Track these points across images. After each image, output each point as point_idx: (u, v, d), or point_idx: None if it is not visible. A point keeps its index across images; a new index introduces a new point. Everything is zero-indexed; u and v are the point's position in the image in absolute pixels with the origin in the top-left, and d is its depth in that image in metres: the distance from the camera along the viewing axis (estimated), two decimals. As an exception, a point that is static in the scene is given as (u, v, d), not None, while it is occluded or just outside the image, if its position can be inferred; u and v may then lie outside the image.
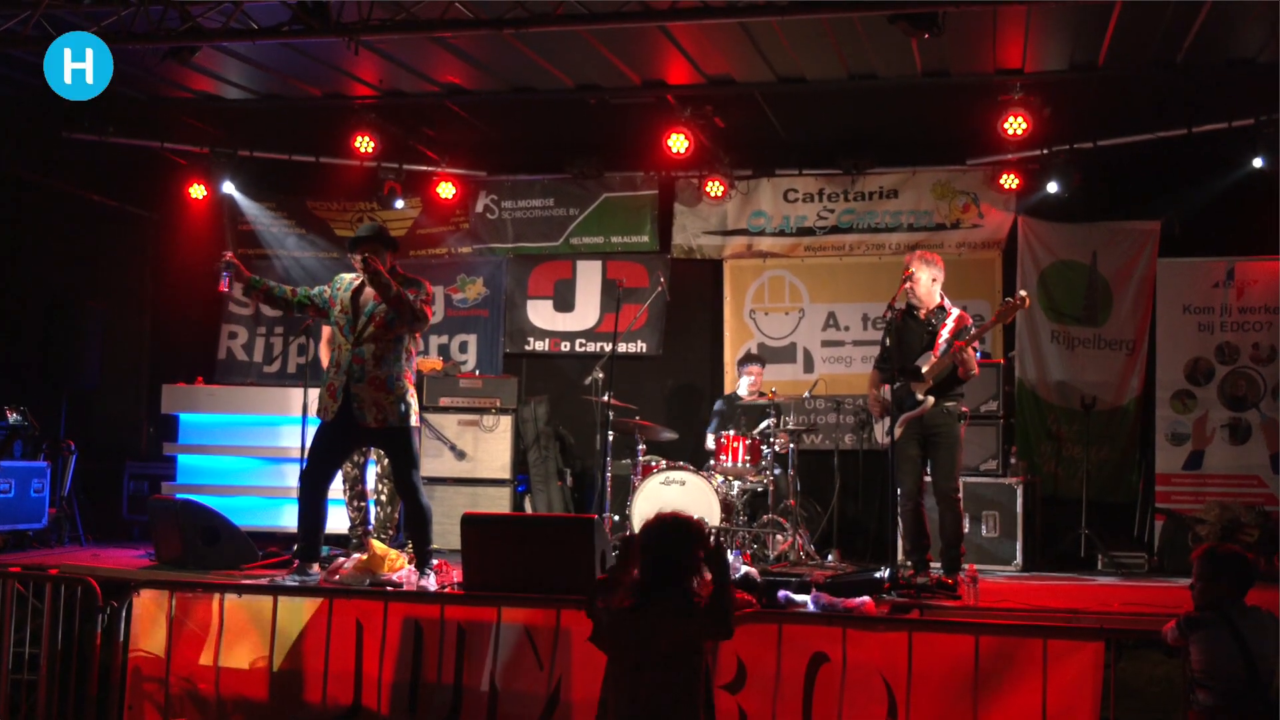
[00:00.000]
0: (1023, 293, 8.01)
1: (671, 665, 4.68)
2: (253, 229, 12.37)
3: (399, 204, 11.68)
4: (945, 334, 8.03)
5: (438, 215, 12.11)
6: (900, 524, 8.21)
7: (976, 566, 7.75)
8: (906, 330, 8.22)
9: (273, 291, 7.73)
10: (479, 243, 12.16)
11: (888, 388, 8.15)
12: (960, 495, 8.14)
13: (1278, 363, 10.06)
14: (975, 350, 8.03)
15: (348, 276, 7.73)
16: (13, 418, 7.61)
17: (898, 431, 8.05)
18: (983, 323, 8.09)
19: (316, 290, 7.78)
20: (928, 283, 8.15)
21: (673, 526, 4.98)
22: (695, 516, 5.06)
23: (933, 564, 8.16)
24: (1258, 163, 9.73)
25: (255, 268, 12.28)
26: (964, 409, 8.18)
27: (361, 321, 7.47)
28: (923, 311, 8.19)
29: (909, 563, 8.22)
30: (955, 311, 8.17)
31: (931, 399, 7.99)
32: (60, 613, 6.70)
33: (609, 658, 4.89)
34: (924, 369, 7.99)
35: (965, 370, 7.94)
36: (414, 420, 7.60)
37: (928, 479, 8.29)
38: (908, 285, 8.14)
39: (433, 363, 11.35)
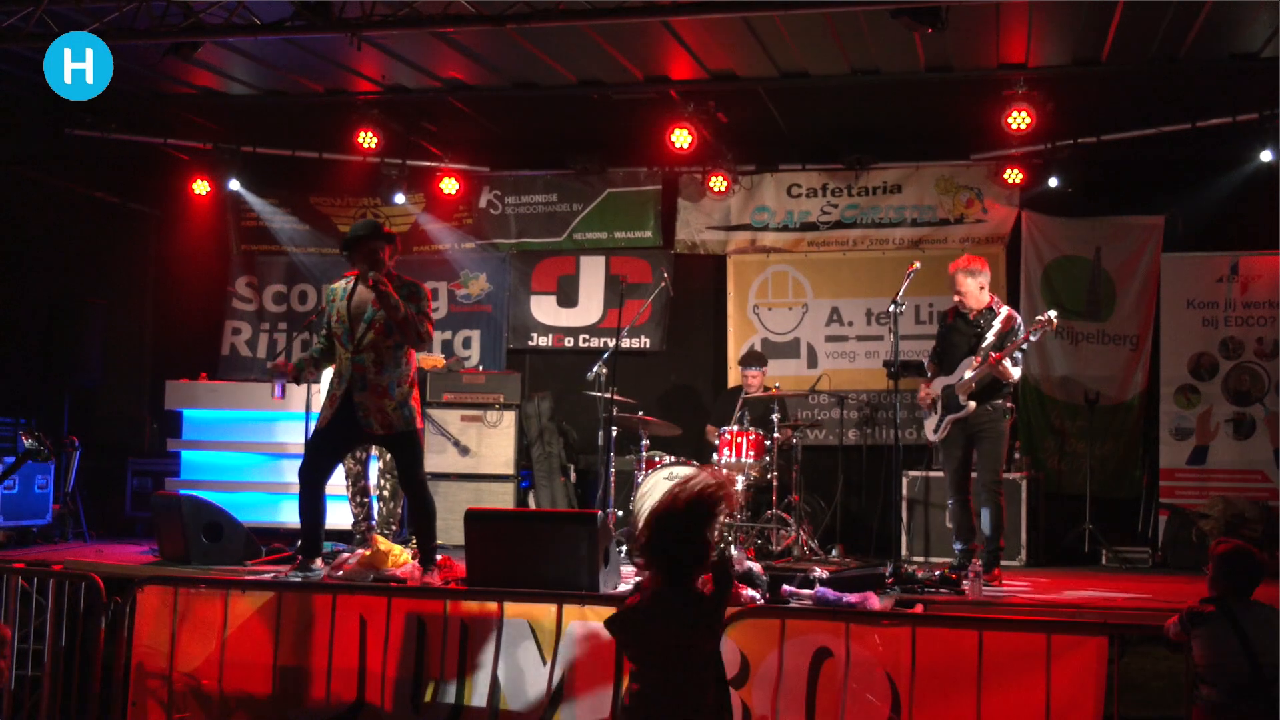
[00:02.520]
0: (1052, 314, 8.07)
1: (675, 665, 4.66)
2: (256, 225, 12.37)
3: (399, 199, 11.68)
4: (991, 337, 8.17)
5: (441, 211, 12.09)
6: (951, 523, 8.47)
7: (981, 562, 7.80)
8: (954, 331, 8.43)
9: (315, 357, 7.75)
10: (482, 238, 12.15)
11: (939, 383, 8.37)
12: (1002, 489, 8.27)
13: (1281, 357, 10.07)
14: (1019, 355, 8.18)
15: (339, 285, 7.70)
16: (28, 442, 7.67)
17: (943, 432, 8.30)
18: (1019, 331, 8.17)
19: (324, 321, 7.76)
20: (976, 291, 8.36)
21: (671, 517, 4.86)
22: (704, 488, 4.59)
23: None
24: (1266, 156, 9.72)
25: (259, 263, 12.38)
26: (1010, 405, 8.35)
27: (360, 329, 7.45)
28: (972, 313, 8.34)
29: (956, 559, 8.28)
30: (1004, 312, 8.30)
31: (974, 404, 8.16)
32: (64, 609, 6.71)
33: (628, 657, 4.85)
34: (967, 375, 8.14)
35: (1003, 378, 8.08)
36: (418, 422, 7.62)
37: (934, 475, 8.42)
38: (958, 300, 8.35)
39: (434, 360, 11.35)
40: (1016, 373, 8.17)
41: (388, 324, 7.42)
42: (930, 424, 8.44)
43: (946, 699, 5.77)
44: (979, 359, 8.10)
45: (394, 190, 11.61)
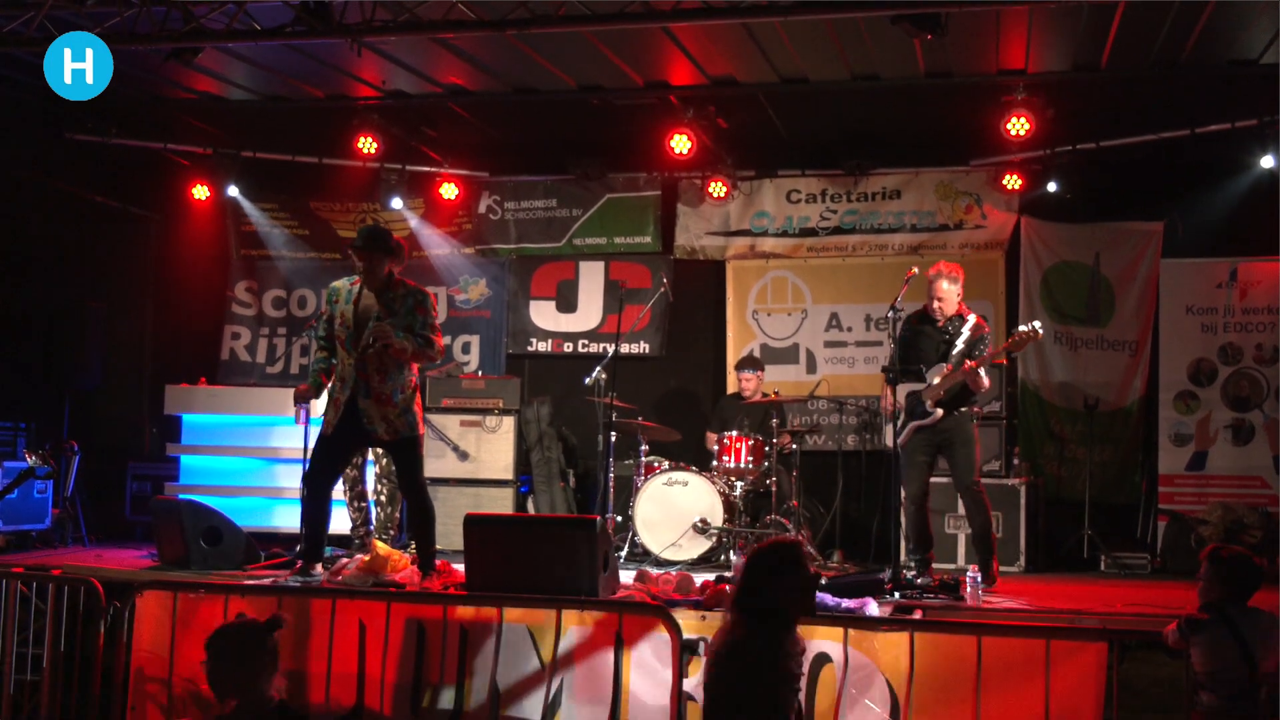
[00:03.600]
0: (1036, 324, 8.01)
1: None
2: (256, 230, 12.37)
3: (399, 204, 11.67)
4: (961, 344, 8.07)
5: (440, 216, 12.09)
6: (904, 526, 8.26)
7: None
8: (922, 335, 8.29)
9: (326, 368, 7.69)
10: (482, 243, 12.15)
11: (903, 389, 8.19)
12: (983, 487, 8.19)
13: (1280, 363, 10.08)
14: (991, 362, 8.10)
15: (343, 286, 7.65)
16: (32, 460, 7.71)
17: (904, 437, 8.16)
18: (988, 340, 8.12)
19: (324, 323, 7.72)
20: (953, 297, 8.22)
21: (766, 552, 4.69)
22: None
23: (935, 564, 8.20)
24: (1265, 162, 9.74)
25: (259, 268, 12.38)
26: (975, 410, 8.28)
27: (366, 336, 7.43)
28: (942, 319, 8.22)
29: (911, 563, 8.25)
30: (971, 319, 8.21)
31: (941, 411, 8.05)
32: (63, 613, 6.70)
33: None
34: (935, 381, 8.04)
35: (975, 388, 7.99)
36: (420, 429, 7.62)
37: (935, 480, 8.36)
38: (936, 306, 8.19)
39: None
40: (987, 382, 8.11)
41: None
42: (891, 431, 8.28)
43: (945, 705, 5.77)
44: (950, 366, 8.02)
45: (394, 195, 11.61)
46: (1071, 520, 10.23)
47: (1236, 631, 5.13)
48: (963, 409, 8.13)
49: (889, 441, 8.32)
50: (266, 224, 12.33)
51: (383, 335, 7.30)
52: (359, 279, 7.61)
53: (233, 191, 11.73)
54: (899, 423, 8.18)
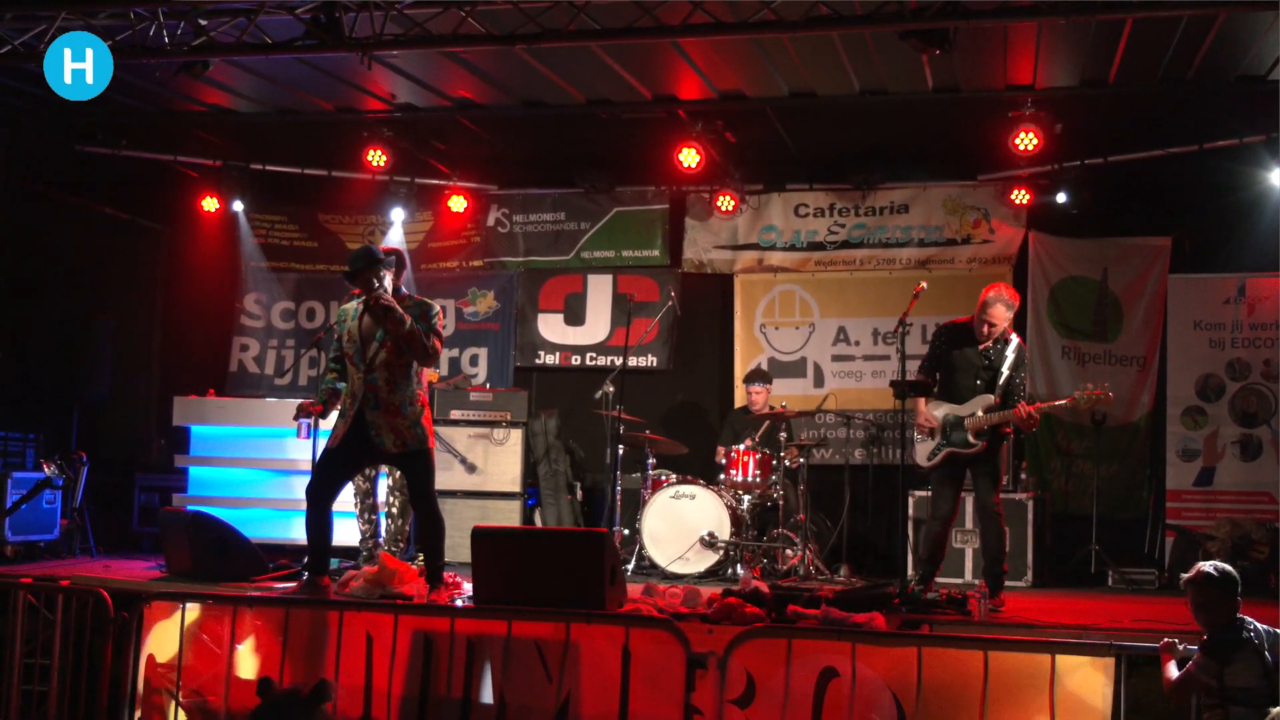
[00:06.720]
0: (1108, 387, 7.88)
1: None
2: (265, 242, 12.42)
3: (407, 217, 11.70)
4: (1006, 370, 7.90)
5: (449, 229, 12.13)
6: (923, 541, 8.24)
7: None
8: (959, 355, 8.07)
9: (335, 388, 7.70)
10: (490, 256, 12.18)
11: (940, 408, 8.05)
12: (1002, 510, 8.07)
13: (1288, 379, 10.07)
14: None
15: (350, 306, 7.66)
16: (49, 470, 7.71)
17: (938, 459, 8.03)
18: (1027, 363, 7.99)
19: (334, 344, 7.72)
20: (1005, 323, 7.97)
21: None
22: None
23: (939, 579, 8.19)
24: (1276, 179, 9.76)
25: (266, 281, 12.41)
26: (1007, 430, 8.08)
27: (372, 349, 7.42)
28: (982, 343, 8.01)
29: (917, 574, 8.22)
30: (1014, 341, 8.03)
31: (984, 443, 7.90)
32: (71, 624, 6.72)
33: None
34: (979, 412, 7.90)
35: (1027, 429, 8.01)
36: (431, 441, 7.61)
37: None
38: (986, 329, 7.93)
39: (430, 374, 11.34)
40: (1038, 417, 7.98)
41: (399, 344, 7.41)
42: (925, 449, 8.09)
43: (953, 719, 5.77)
44: (998, 399, 7.85)
45: (398, 206, 11.65)
46: (1079, 535, 10.20)
47: (1258, 646, 5.18)
48: (1000, 434, 8.00)
49: (921, 460, 8.11)
50: (275, 236, 12.39)
51: (388, 299, 7.29)
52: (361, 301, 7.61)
53: (241, 205, 11.78)
54: (934, 446, 8.03)
